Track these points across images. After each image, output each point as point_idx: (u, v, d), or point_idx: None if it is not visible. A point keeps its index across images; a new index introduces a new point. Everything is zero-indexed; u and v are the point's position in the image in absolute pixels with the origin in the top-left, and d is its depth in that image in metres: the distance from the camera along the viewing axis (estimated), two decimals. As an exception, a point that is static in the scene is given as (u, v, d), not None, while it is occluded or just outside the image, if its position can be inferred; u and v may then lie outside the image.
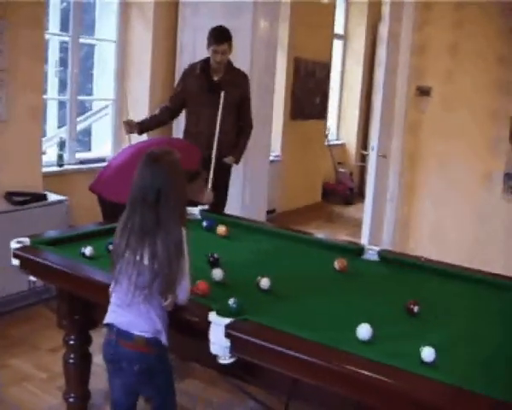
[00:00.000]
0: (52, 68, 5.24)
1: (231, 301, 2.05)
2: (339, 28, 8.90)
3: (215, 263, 2.56)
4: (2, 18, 3.95)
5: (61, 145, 4.88)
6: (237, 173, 4.74)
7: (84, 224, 3.48)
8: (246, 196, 5.18)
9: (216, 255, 2.59)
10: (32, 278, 2.53)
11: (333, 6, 8.08)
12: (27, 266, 2.52)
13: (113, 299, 2.07)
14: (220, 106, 3.92)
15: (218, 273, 2.40)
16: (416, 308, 2.23)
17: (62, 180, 4.73)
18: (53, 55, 5.23)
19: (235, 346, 1.93)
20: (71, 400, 2.68)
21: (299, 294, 2.40)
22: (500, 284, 2.64)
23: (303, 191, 8.02)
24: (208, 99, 4.12)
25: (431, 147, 4.93)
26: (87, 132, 5.78)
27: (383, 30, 4.92)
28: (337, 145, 9.29)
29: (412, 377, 1.74)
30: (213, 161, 3.85)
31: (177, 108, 4.39)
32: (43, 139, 4.66)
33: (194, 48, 5.17)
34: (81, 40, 5.10)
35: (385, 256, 2.91)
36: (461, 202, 4.83)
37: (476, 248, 4.70)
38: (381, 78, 4.86)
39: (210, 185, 3.81)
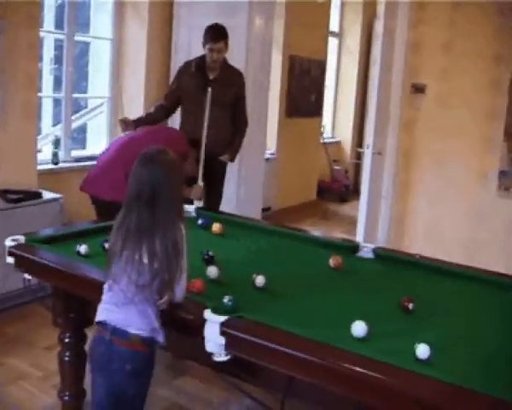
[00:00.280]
0: (47, 66, 5.23)
1: (226, 299, 2.05)
2: (334, 26, 8.90)
3: (210, 261, 2.56)
4: (2, 18, 3.93)
5: (56, 143, 4.88)
6: (232, 171, 4.74)
7: (78, 222, 3.48)
8: (241, 193, 5.19)
9: (211, 253, 2.59)
10: (27, 276, 2.52)
11: (328, 4, 8.08)
12: (22, 264, 2.51)
13: (107, 297, 2.05)
14: (208, 102, 3.89)
15: (213, 271, 2.40)
16: (410, 305, 2.23)
17: (57, 178, 4.71)
18: (48, 52, 5.22)
19: (231, 343, 1.93)
20: (66, 398, 2.68)
21: (295, 291, 2.40)
22: (496, 282, 2.65)
23: (298, 189, 8.02)
24: (204, 97, 4.12)
25: (426, 144, 4.94)
26: (82, 130, 5.77)
27: (378, 27, 4.92)
28: (332, 143, 9.30)
29: (409, 374, 1.74)
30: (202, 157, 3.85)
31: (172, 106, 4.38)
32: (39, 137, 4.65)
33: (189, 47, 5.18)
34: (76, 38, 5.08)
35: (380, 254, 2.92)
36: (456, 199, 4.84)
37: (471, 246, 4.71)
38: (376, 75, 4.85)
39: (200, 182, 3.80)
